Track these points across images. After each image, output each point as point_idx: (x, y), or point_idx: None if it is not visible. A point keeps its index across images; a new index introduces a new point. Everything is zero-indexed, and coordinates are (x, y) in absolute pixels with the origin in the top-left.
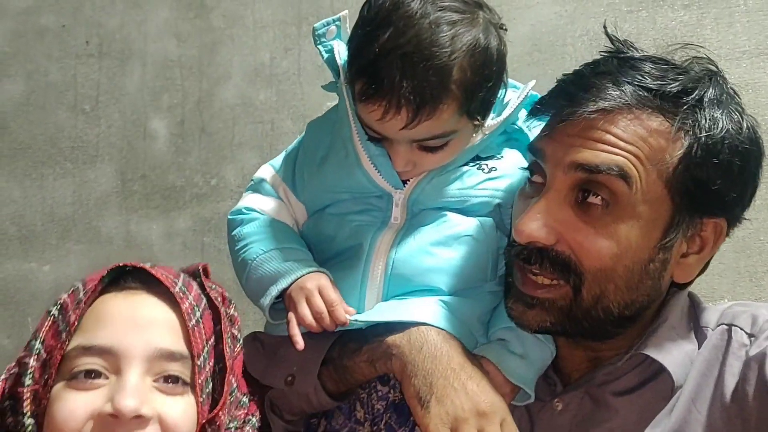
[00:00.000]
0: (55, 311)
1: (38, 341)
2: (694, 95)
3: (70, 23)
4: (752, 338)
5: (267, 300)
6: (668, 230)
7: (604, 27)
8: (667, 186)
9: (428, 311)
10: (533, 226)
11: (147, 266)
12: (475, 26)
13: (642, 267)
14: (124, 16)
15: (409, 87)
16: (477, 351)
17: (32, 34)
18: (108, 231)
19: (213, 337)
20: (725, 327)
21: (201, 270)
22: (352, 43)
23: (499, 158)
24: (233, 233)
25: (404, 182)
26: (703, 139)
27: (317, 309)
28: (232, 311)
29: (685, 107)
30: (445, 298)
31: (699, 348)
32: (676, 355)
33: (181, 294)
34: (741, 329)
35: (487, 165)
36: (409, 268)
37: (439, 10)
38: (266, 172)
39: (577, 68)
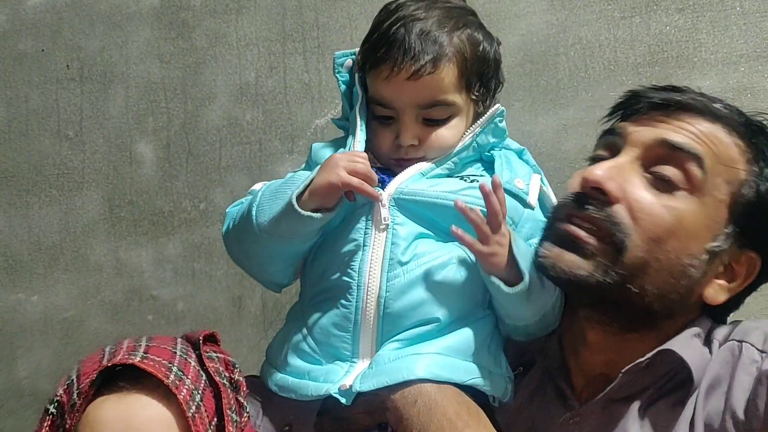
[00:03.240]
0: (53, 409)
1: None
2: (757, 133)
3: (49, 47)
4: (764, 354)
5: (299, 188)
6: (717, 236)
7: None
8: (729, 196)
9: (423, 366)
10: (602, 173)
11: (137, 361)
12: (471, 19)
13: (686, 260)
14: (104, 39)
15: (414, 42)
16: None
17: (11, 60)
18: (97, 259)
19: (215, 418)
20: (736, 343)
21: (201, 340)
22: (364, 41)
23: (480, 175)
24: (234, 210)
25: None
26: None
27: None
28: (236, 376)
29: (760, 142)
30: (444, 342)
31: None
32: (697, 358)
33: (177, 382)
34: (752, 345)
35: (468, 177)
36: (401, 304)
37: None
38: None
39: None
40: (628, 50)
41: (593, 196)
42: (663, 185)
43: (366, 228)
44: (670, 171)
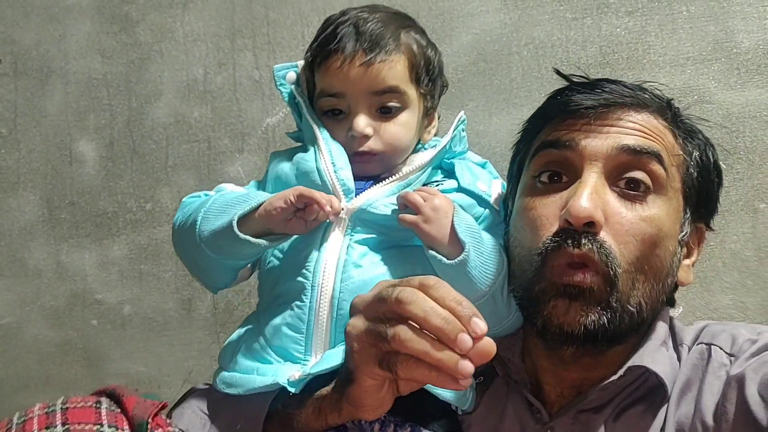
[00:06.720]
0: None
1: None
2: (677, 110)
3: None
4: (732, 358)
5: (244, 209)
6: (683, 225)
7: (555, 70)
8: (682, 180)
9: None
10: (590, 206)
11: None
12: (413, 23)
13: (670, 259)
14: (40, 32)
15: (365, 32)
16: None
17: None
18: (36, 263)
19: None
20: (705, 346)
21: (150, 421)
22: (312, 45)
23: (441, 181)
24: (190, 202)
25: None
26: (699, 147)
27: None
28: None
29: (675, 117)
30: None
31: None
32: (668, 370)
33: None
34: (721, 349)
35: (432, 184)
36: None
37: (381, 12)
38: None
39: (574, 78)
40: (580, 51)
41: (583, 230)
42: (634, 195)
43: (324, 232)
44: (637, 177)
